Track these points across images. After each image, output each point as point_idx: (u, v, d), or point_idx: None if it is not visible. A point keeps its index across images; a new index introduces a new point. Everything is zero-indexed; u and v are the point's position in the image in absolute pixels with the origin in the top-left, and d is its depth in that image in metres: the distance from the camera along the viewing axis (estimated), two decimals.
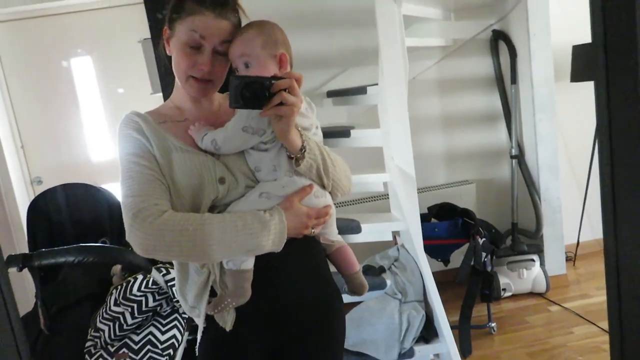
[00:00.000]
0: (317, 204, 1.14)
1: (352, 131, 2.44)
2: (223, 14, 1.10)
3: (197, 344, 1.20)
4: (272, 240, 1.06)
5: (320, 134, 1.23)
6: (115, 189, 3.19)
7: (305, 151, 1.09)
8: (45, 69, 3.19)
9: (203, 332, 1.18)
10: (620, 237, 0.65)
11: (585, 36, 2.91)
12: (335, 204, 1.22)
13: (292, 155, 1.09)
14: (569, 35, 3.13)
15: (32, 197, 3.05)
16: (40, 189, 3.14)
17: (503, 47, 3.22)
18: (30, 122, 3.21)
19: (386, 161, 2.45)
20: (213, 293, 1.14)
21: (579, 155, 3.41)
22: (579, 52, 3.04)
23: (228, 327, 1.13)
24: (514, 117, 3.22)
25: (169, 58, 1.18)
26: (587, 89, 3.10)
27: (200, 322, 1.17)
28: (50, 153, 3.27)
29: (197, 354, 1.21)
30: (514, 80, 3.19)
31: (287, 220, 1.08)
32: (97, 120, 3.30)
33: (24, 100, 3.19)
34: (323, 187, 1.16)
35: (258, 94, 1.00)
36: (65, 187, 2.30)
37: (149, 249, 1.02)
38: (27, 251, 1.97)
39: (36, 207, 2.23)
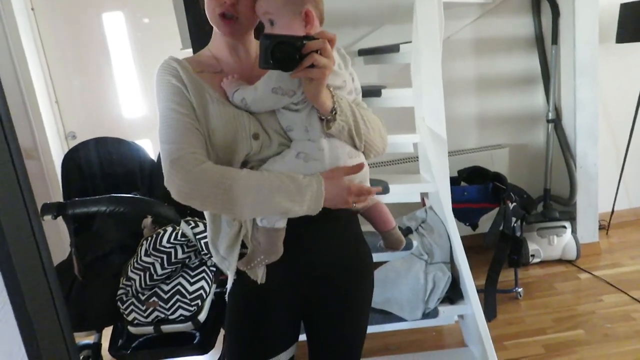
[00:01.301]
0: (351, 164, 1.12)
1: (383, 91, 2.39)
2: None
3: (227, 294, 1.23)
4: (307, 206, 1.05)
5: (358, 85, 1.20)
6: (147, 145, 3.24)
7: (336, 113, 1.06)
8: (78, 24, 3.20)
9: (233, 283, 1.20)
10: None
11: None
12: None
13: (323, 117, 1.07)
14: None
15: (67, 151, 3.14)
16: (74, 144, 3.22)
17: (545, 6, 3.06)
18: (64, 77, 3.25)
19: (417, 122, 2.40)
20: (243, 245, 1.15)
21: (620, 121, 3.27)
22: (628, 11, 2.87)
23: (260, 280, 1.14)
24: (553, 80, 3.09)
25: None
26: (634, 51, 2.94)
27: (230, 273, 1.19)
28: (84, 108, 3.32)
29: (226, 303, 1.24)
30: (555, 40, 3.04)
31: (326, 191, 1.06)
32: (128, 75, 3.32)
33: (58, 56, 3.22)
34: (354, 147, 1.14)
35: (289, 55, 0.98)
36: (99, 141, 2.34)
37: (186, 197, 1.03)
38: None
39: (70, 160, 2.29)
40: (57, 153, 3.18)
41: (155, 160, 2.32)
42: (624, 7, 2.89)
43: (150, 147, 3.25)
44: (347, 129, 1.09)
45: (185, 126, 1.06)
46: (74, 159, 2.27)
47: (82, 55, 3.24)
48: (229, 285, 1.22)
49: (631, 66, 3.19)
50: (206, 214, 1.21)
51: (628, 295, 2.58)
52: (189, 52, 2.46)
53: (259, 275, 1.14)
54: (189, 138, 1.05)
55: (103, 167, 2.28)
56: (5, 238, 0.70)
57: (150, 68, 3.27)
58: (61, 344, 0.79)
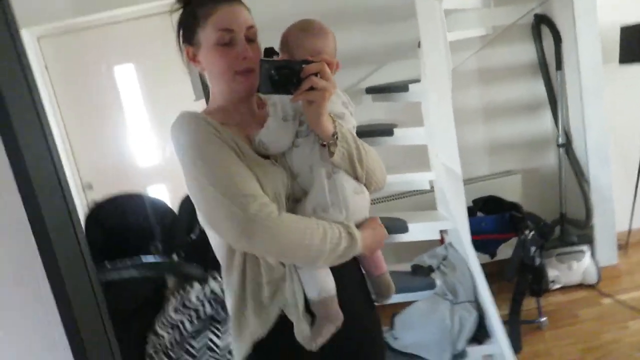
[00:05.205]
0: (359, 201, 1.12)
1: (395, 130, 2.42)
2: (233, 1, 1.10)
3: (255, 349, 1.17)
4: (346, 257, 1.09)
5: (354, 122, 1.20)
6: (162, 190, 3.27)
7: (337, 138, 1.06)
8: (90, 78, 3.27)
9: (267, 338, 1.13)
10: None
11: (634, 16, 2.79)
12: (377, 200, 1.22)
13: (325, 143, 1.06)
14: (617, 16, 3.00)
15: (84, 203, 3.18)
16: (91, 195, 3.26)
17: (546, 32, 3.11)
18: (79, 129, 3.32)
19: (431, 159, 2.42)
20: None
21: (630, 139, 3.28)
22: (629, 33, 2.91)
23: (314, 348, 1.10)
24: (560, 104, 3.12)
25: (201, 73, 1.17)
26: (638, 70, 2.96)
27: (264, 327, 1.12)
28: (98, 159, 3.37)
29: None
30: (559, 66, 3.08)
31: (369, 238, 1.11)
32: (142, 125, 3.38)
33: (72, 109, 3.29)
34: (357, 178, 1.13)
35: (288, 78, 0.99)
36: (117, 198, 2.37)
37: (277, 254, 1.03)
38: None
39: (92, 220, 2.31)
40: (76, 204, 3.22)
41: (177, 212, 2.35)
42: (624, 30, 2.93)
43: (166, 192, 3.30)
44: (348, 155, 1.08)
45: (239, 170, 1.02)
46: (95, 218, 2.30)
47: (95, 107, 3.31)
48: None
49: (637, 84, 3.22)
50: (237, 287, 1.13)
51: None
52: (201, 102, 2.51)
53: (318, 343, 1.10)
54: (248, 184, 1.01)
55: (124, 223, 2.31)
56: (69, 299, 0.88)
57: (163, 118, 3.34)
58: None
